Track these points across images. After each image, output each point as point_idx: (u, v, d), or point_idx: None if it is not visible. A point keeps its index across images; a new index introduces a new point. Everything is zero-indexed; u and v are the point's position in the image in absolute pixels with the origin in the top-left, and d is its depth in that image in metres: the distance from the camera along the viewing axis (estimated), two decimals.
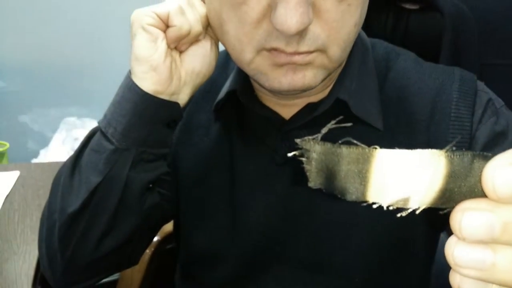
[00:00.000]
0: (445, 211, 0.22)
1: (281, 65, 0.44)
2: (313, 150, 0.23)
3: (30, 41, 1.95)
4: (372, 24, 1.01)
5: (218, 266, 0.60)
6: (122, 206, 0.50)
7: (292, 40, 0.42)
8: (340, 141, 0.23)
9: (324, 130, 0.24)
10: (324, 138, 0.23)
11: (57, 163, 1.31)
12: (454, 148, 0.21)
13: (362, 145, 0.22)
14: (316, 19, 0.42)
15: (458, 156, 0.21)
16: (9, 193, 1.09)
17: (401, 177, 0.22)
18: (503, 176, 0.19)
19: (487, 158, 0.21)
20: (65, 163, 0.55)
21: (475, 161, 0.21)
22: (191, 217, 0.61)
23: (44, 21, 1.93)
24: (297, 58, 0.43)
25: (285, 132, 0.54)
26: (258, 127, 0.56)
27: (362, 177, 0.22)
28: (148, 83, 0.48)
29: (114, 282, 0.87)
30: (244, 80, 0.54)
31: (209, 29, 0.51)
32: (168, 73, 0.48)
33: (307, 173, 0.23)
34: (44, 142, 2.02)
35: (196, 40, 0.50)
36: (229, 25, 0.45)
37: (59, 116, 2.04)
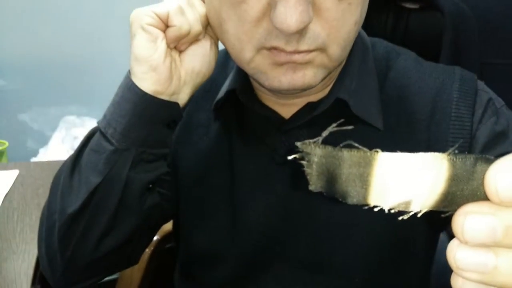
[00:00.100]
0: (447, 214, 0.22)
1: (281, 64, 0.44)
2: (314, 154, 0.23)
3: (30, 39, 1.95)
4: (372, 23, 1.01)
5: (218, 265, 0.60)
6: (122, 206, 0.50)
7: (292, 39, 0.42)
8: (341, 145, 0.23)
9: (325, 133, 0.24)
10: (324, 139, 0.23)
11: (56, 162, 1.31)
12: (456, 151, 0.21)
13: (364, 149, 0.22)
14: (316, 17, 0.42)
15: (460, 159, 0.21)
16: (8, 192, 1.09)
17: (403, 181, 0.21)
18: (506, 179, 0.19)
19: (489, 161, 0.21)
20: (64, 163, 0.55)
21: (477, 164, 0.21)
22: (190, 216, 0.61)
23: (44, 20, 1.93)
24: (297, 57, 0.43)
25: (285, 131, 0.54)
26: (257, 126, 0.56)
27: (364, 181, 0.22)
28: (147, 83, 0.48)
29: (114, 281, 0.87)
30: (244, 79, 0.54)
31: (209, 28, 0.51)
32: (168, 73, 0.48)
33: (308, 177, 0.23)
34: (44, 140, 2.02)
35: (195, 39, 0.50)
36: (229, 24, 0.44)
37: (59, 115, 2.05)
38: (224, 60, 0.61)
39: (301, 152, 0.23)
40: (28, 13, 1.92)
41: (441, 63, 0.58)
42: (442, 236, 0.61)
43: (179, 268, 0.68)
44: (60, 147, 1.92)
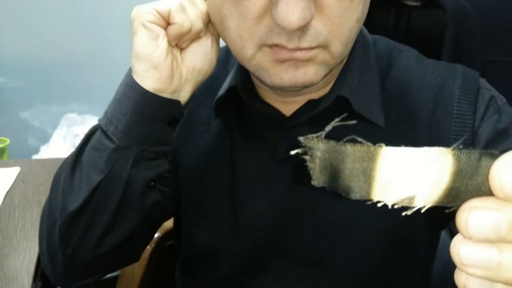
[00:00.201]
0: (451, 209, 0.22)
1: (282, 61, 0.44)
2: (317, 148, 0.23)
3: (31, 37, 1.95)
4: (373, 20, 1.00)
5: (219, 263, 0.60)
6: (123, 204, 0.50)
7: (293, 36, 0.41)
8: (344, 139, 0.23)
9: (328, 128, 0.23)
10: (325, 136, 0.23)
11: (57, 159, 1.31)
12: (461, 146, 0.21)
13: (367, 143, 0.22)
14: (318, 14, 0.41)
15: (465, 154, 0.21)
16: (10, 189, 1.09)
17: (407, 175, 0.21)
18: (511, 174, 0.19)
19: (494, 156, 0.21)
20: (65, 160, 0.55)
21: (482, 159, 0.21)
22: (191, 214, 0.61)
23: (45, 17, 1.93)
24: (298, 54, 0.43)
25: (286, 129, 0.54)
26: (258, 123, 0.56)
27: (367, 176, 0.22)
28: (149, 81, 0.48)
29: (115, 278, 0.87)
30: (245, 77, 0.54)
31: (210, 25, 0.50)
32: (169, 71, 0.48)
33: (311, 172, 0.23)
34: (45, 138, 2.02)
35: (197, 37, 0.50)
36: (230, 21, 0.44)
37: (60, 113, 2.04)
38: (225, 57, 0.61)
39: (304, 147, 0.23)
40: (29, 11, 1.92)
41: (443, 61, 0.58)
42: (443, 233, 0.61)
43: (180, 266, 0.68)
44: (61, 144, 1.92)
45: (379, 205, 0.22)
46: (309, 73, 0.44)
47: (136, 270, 0.84)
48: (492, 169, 0.20)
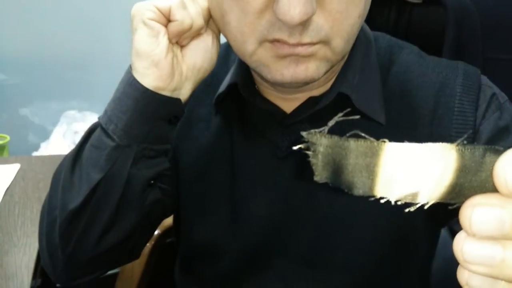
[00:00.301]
0: (454, 206, 0.22)
1: (283, 57, 0.44)
2: (320, 143, 0.22)
3: (31, 34, 1.94)
4: (374, 17, 1.00)
5: (218, 260, 0.60)
6: (123, 202, 0.50)
7: (295, 31, 0.41)
8: (347, 134, 0.22)
9: (331, 123, 0.23)
10: (328, 130, 0.23)
11: (57, 156, 1.31)
12: (465, 142, 0.21)
13: (371, 138, 0.22)
14: (320, 9, 0.41)
15: (469, 150, 0.21)
16: (10, 185, 1.09)
17: (410, 171, 0.21)
18: None
19: (499, 152, 0.20)
20: (65, 158, 0.55)
21: (486, 155, 0.21)
22: (191, 211, 0.61)
23: (45, 14, 1.92)
24: (300, 50, 0.42)
25: (287, 126, 0.54)
26: (259, 121, 0.56)
27: (370, 171, 0.22)
28: (149, 79, 0.47)
29: (115, 275, 0.87)
30: (245, 73, 0.54)
31: (211, 22, 0.50)
32: (170, 69, 0.48)
33: (313, 167, 0.23)
34: (45, 135, 2.01)
35: (197, 34, 0.49)
36: (231, 16, 0.44)
37: (60, 109, 2.04)
38: (225, 54, 0.61)
39: (306, 142, 0.23)
40: (29, 8, 1.91)
41: (444, 58, 0.58)
42: (443, 231, 0.61)
43: (180, 263, 0.68)
44: (61, 141, 1.92)
45: (382, 201, 0.22)
46: (310, 69, 0.44)
47: (135, 267, 0.84)
48: (497, 165, 0.20)
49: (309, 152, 0.23)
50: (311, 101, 0.52)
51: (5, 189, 1.07)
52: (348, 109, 0.25)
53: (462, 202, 0.21)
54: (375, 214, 0.53)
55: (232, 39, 0.46)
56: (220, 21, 0.47)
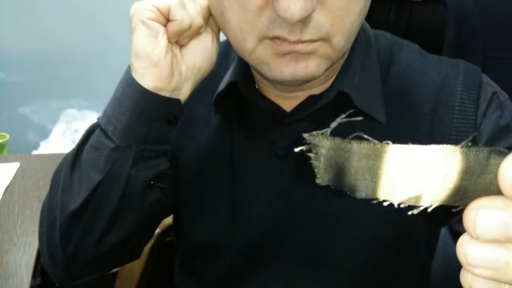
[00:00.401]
0: (458, 209, 0.21)
1: (283, 54, 0.43)
2: (322, 146, 0.22)
3: (31, 32, 1.94)
4: (374, 16, 1.00)
5: (218, 259, 0.60)
6: (123, 203, 0.50)
7: (295, 28, 0.41)
8: (350, 136, 0.22)
9: (334, 125, 0.23)
10: (327, 132, 0.23)
11: (57, 154, 1.31)
12: (469, 144, 0.20)
13: (374, 141, 0.21)
14: (320, 6, 0.41)
15: (473, 152, 0.20)
16: (9, 184, 1.09)
17: (414, 174, 0.21)
18: None
19: (503, 154, 0.20)
20: (65, 158, 0.55)
21: (491, 157, 0.20)
22: (191, 210, 0.61)
23: (45, 12, 1.92)
24: (300, 47, 0.42)
25: (286, 124, 0.54)
26: (258, 119, 0.56)
27: (373, 174, 0.21)
28: (148, 79, 0.47)
29: (114, 274, 0.87)
30: (245, 71, 0.54)
31: (210, 21, 0.50)
32: (169, 69, 0.47)
33: (315, 170, 0.22)
34: (44, 134, 2.01)
35: (197, 33, 0.49)
36: (231, 13, 0.44)
37: (60, 108, 2.04)
38: (225, 52, 0.61)
39: (308, 144, 0.22)
40: (29, 7, 1.91)
41: (444, 57, 0.58)
42: (443, 230, 0.61)
43: (179, 262, 0.68)
44: (60, 140, 1.92)
45: (384, 204, 0.22)
46: (310, 67, 0.44)
47: (135, 266, 0.84)
48: (501, 167, 0.19)
49: (311, 154, 0.22)
50: (311, 99, 0.52)
51: (5, 188, 1.07)
52: (351, 111, 0.24)
53: (466, 205, 0.21)
54: (375, 214, 0.53)
55: (232, 36, 0.46)
56: (219, 18, 0.47)
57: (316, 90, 0.52)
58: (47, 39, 1.97)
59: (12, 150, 1.87)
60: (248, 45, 0.44)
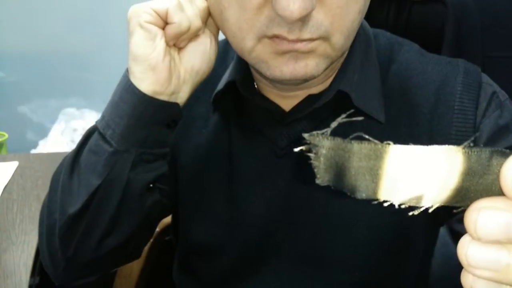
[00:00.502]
0: (459, 210, 0.21)
1: (282, 53, 0.43)
2: (322, 146, 0.22)
3: (30, 31, 1.94)
4: (373, 15, 1.00)
5: (216, 259, 0.60)
6: (122, 207, 0.50)
7: (294, 27, 0.41)
8: (350, 136, 0.22)
9: (334, 125, 0.22)
10: (326, 132, 0.22)
11: (56, 153, 1.31)
12: (471, 144, 0.20)
13: (375, 141, 0.21)
14: (319, 5, 0.41)
15: (475, 153, 0.20)
16: (8, 183, 1.09)
17: (415, 174, 0.21)
18: None
19: (505, 155, 0.20)
20: (64, 160, 0.55)
21: (493, 158, 0.20)
22: (189, 209, 0.61)
23: (44, 11, 1.92)
24: (299, 46, 0.42)
25: (286, 124, 0.53)
26: (257, 118, 0.55)
27: (374, 174, 0.21)
28: (146, 83, 0.46)
29: (113, 273, 0.87)
30: (244, 71, 0.53)
31: (209, 23, 0.49)
32: (167, 73, 0.47)
33: (315, 170, 0.22)
34: (43, 132, 2.01)
35: (195, 35, 0.49)
36: (230, 12, 0.43)
37: (58, 107, 2.04)
38: (223, 51, 0.60)
39: (308, 144, 0.22)
40: (28, 6, 1.91)
41: (444, 56, 0.58)
42: (442, 229, 0.61)
43: (178, 261, 0.68)
44: (59, 139, 1.92)
45: (385, 204, 0.22)
46: (309, 66, 0.44)
47: (134, 264, 0.84)
48: (504, 168, 0.19)
49: (310, 154, 0.22)
50: (310, 99, 0.52)
51: (3, 187, 1.07)
52: (351, 111, 0.24)
53: (467, 206, 0.21)
54: (375, 214, 0.53)
55: (231, 35, 0.45)
56: (218, 17, 0.46)
57: (315, 90, 0.52)
58: (46, 38, 1.97)
59: (10, 149, 1.87)
60: (247, 44, 0.44)
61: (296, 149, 0.22)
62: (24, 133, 2.08)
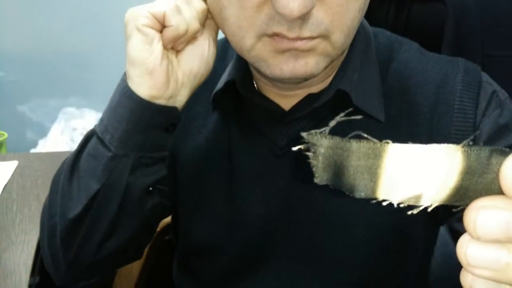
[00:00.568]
0: (459, 209, 0.21)
1: (282, 52, 0.43)
2: (320, 145, 0.22)
3: (29, 31, 1.94)
4: (373, 14, 1.00)
5: (216, 258, 0.60)
6: (122, 211, 0.50)
7: (294, 25, 0.40)
8: (349, 135, 0.22)
9: (333, 123, 0.22)
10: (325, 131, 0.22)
11: (55, 153, 1.31)
12: (471, 143, 0.20)
13: (373, 140, 0.21)
14: (319, 3, 0.40)
15: (475, 151, 0.20)
16: (7, 182, 1.09)
17: (414, 173, 0.21)
18: None
19: (505, 154, 0.20)
20: (64, 162, 0.55)
21: (492, 156, 0.20)
22: (189, 209, 0.61)
23: (44, 10, 1.92)
24: (299, 44, 0.42)
25: (285, 123, 0.53)
26: (257, 118, 0.55)
27: (372, 173, 0.21)
28: (144, 87, 0.46)
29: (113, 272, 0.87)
30: (244, 70, 0.53)
31: (207, 24, 0.49)
32: (165, 77, 0.46)
33: (314, 169, 0.22)
34: (43, 132, 2.01)
35: (193, 38, 0.48)
36: (229, 10, 0.43)
37: (58, 106, 2.04)
38: (222, 50, 0.60)
39: (307, 142, 0.22)
40: (28, 5, 1.90)
41: (444, 55, 0.57)
42: (442, 228, 0.61)
43: (178, 261, 0.68)
44: (59, 138, 1.92)
45: (384, 204, 0.22)
46: (309, 64, 0.44)
47: (134, 264, 0.84)
48: (503, 167, 0.19)
49: (309, 154, 0.22)
50: (310, 98, 0.52)
51: (3, 186, 1.07)
52: (350, 109, 0.24)
53: (467, 205, 0.21)
54: (374, 213, 0.53)
55: (231, 34, 0.45)
56: (218, 16, 0.46)
57: (315, 89, 0.52)
58: (46, 38, 1.96)
59: (10, 149, 1.87)
60: (247, 42, 0.44)
61: (295, 148, 0.22)
62: (24, 133, 2.08)
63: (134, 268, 0.84)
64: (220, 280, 0.61)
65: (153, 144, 0.49)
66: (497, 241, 0.20)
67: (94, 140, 0.50)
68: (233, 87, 0.54)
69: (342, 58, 0.51)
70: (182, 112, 0.50)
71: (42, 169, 1.15)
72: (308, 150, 0.22)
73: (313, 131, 0.22)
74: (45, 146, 1.93)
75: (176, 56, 0.48)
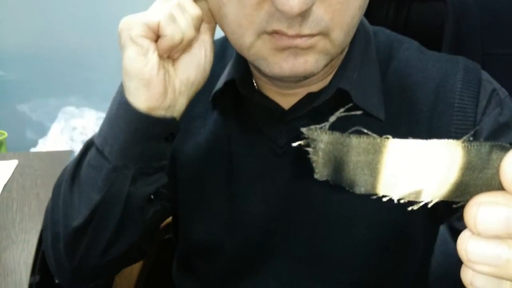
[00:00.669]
0: (459, 205, 0.21)
1: (282, 49, 0.43)
2: (320, 140, 0.22)
3: (29, 30, 1.94)
4: (373, 12, 1.00)
5: (216, 258, 0.60)
6: (124, 219, 0.50)
7: (294, 22, 0.40)
8: (349, 131, 0.22)
9: (332, 119, 0.22)
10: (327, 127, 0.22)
11: (55, 152, 1.30)
12: (471, 139, 0.20)
13: (373, 135, 0.21)
14: (320, 0, 0.40)
15: (475, 147, 0.20)
16: (7, 182, 1.09)
17: (414, 169, 0.20)
18: None
19: (505, 149, 0.20)
20: (65, 169, 0.55)
21: (493, 152, 0.20)
22: (189, 209, 0.61)
23: (44, 10, 1.92)
24: (299, 41, 0.41)
25: (285, 122, 0.53)
26: (257, 117, 0.55)
27: (373, 169, 0.21)
28: (141, 99, 0.45)
29: None
30: (243, 69, 0.53)
31: (202, 29, 0.48)
32: (162, 87, 0.45)
33: (314, 164, 0.22)
34: (43, 131, 2.01)
35: (189, 46, 0.47)
36: (229, 8, 0.43)
37: (58, 106, 2.04)
38: (221, 49, 0.60)
39: (307, 138, 0.22)
40: (28, 4, 1.90)
41: (444, 53, 0.57)
42: (441, 227, 0.61)
43: (178, 261, 0.68)
44: (59, 137, 1.92)
45: (384, 199, 0.21)
46: (309, 62, 0.43)
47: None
48: (503, 162, 0.19)
49: (309, 149, 0.22)
50: (310, 97, 0.52)
51: (3, 185, 1.07)
52: (350, 105, 0.24)
53: (467, 200, 0.20)
54: (374, 212, 0.53)
55: (230, 32, 0.45)
56: (217, 14, 0.46)
57: (315, 87, 0.52)
58: (45, 37, 1.96)
59: (10, 148, 1.87)
60: (247, 40, 0.43)
61: (294, 144, 0.22)
62: (24, 132, 2.08)
63: (134, 268, 0.84)
64: (220, 280, 0.61)
65: (153, 154, 0.48)
66: (497, 237, 0.20)
67: (94, 150, 0.50)
68: (232, 86, 0.54)
69: (342, 56, 0.51)
70: (181, 121, 0.50)
71: (42, 168, 1.15)
72: (308, 146, 0.22)
73: (313, 127, 0.22)
74: (45, 145, 1.93)
75: (173, 64, 0.48)
